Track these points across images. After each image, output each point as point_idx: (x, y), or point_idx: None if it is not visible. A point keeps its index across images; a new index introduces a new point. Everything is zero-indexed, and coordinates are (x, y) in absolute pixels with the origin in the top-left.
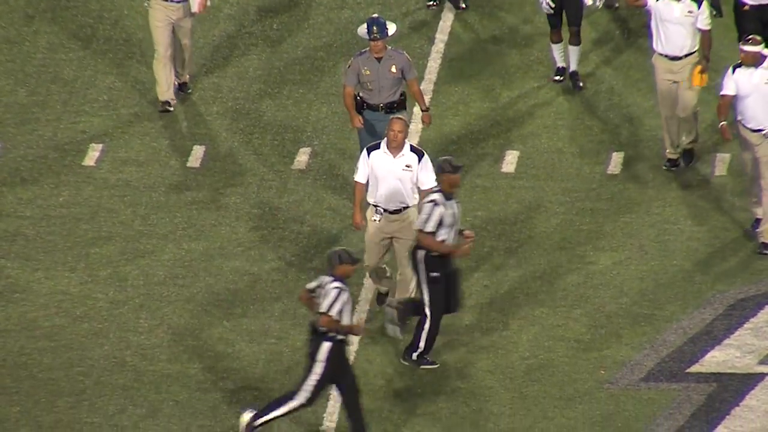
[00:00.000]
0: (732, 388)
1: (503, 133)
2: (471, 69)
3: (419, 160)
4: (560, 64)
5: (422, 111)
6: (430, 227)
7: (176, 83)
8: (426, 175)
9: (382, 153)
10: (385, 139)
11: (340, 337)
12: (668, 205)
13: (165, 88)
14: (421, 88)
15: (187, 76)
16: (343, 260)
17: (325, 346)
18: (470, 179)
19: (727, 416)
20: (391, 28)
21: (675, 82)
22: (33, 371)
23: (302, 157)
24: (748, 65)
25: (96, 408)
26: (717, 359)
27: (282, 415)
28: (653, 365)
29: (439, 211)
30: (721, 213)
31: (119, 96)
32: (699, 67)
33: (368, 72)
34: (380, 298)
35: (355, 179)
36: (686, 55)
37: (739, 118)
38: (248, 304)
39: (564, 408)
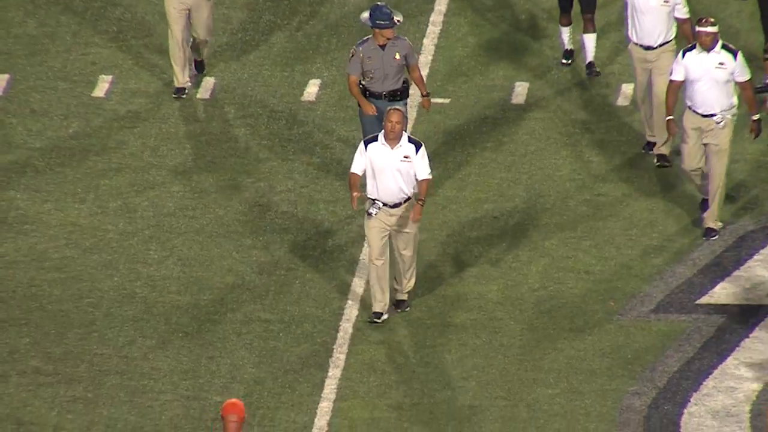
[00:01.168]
0: (741, 319)
1: (513, 64)
2: (480, 1)
3: (417, 151)
4: (568, 46)
5: (422, 96)
6: None
7: (194, 61)
8: (422, 165)
9: (379, 145)
10: (383, 131)
11: None
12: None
13: (180, 75)
14: (431, 19)
15: (205, 55)
16: None
17: None
18: (480, 111)
19: (737, 348)
20: (397, 16)
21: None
22: (43, 303)
23: (312, 89)
24: (704, 48)
25: (106, 339)
26: (727, 291)
27: None
28: (663, 297)
29: None
30: (732, 148)
31: (129, 27)
32: None
33: (372, 60)
34: (398, 303)
35: (351, 171)
36: (661, 45)
37: (688, 104)
38: (258, 235)
39: (573, 340)
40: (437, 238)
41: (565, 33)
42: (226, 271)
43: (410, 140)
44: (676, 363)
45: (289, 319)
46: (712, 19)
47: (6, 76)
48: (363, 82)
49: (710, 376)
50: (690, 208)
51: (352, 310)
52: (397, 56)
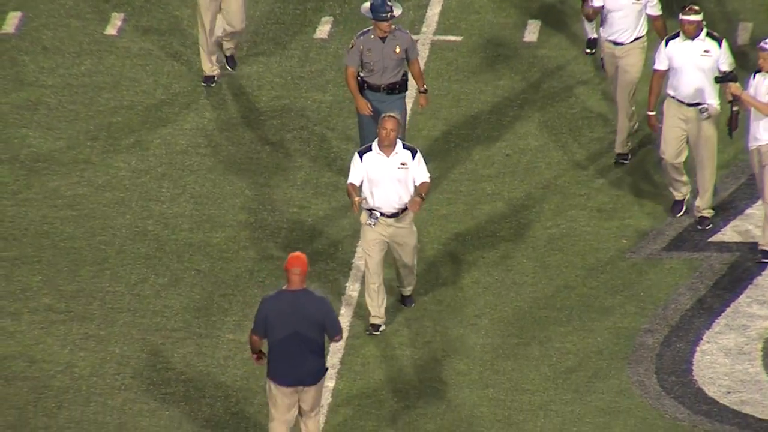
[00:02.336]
0: (754, 257)
1: (525, 1)
2: None
3: (413, 157)
4: (591, 35)
5: (419, 92)
6: None
7: (225, 55)
8: (421, 170)
9: (375, 154)
10: (376, 139)
11: None
12: None
13: (209, 63)
14: None
15: (234, 47)
16: None
17: None
18: (492, 49)
19: (750, 285)
20: (398, 9)
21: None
22: (55, 240)
23: (324, 27)
24: (687, 36)
25: (118, 277)
26: (739, 228)
27: None
28: (675, 234)
29: None
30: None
31: None
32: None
33: (372, 53)
34: (403, 299)
35: (348, 181)
36: (632, 41)
37: (672, 93)
38: (270, 173)
39: (586, 277)
40: (450, 176)
41: (588, 22)
42: (239, 208)
43: (405, 147)
44: (688, 301)
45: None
46: (696, 7)
47: (18, 14)
48: (361, 74)
49: (723, 314)
50: None
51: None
52: (398, 50)
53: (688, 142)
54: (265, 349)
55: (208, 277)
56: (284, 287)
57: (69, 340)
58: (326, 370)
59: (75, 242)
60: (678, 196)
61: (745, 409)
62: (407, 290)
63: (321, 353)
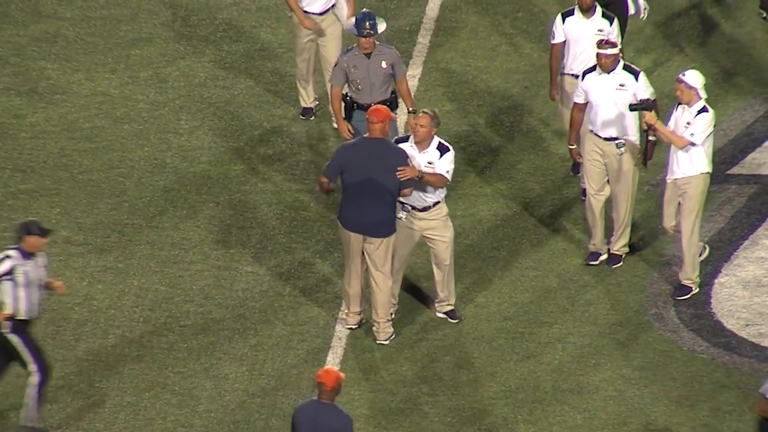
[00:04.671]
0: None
1: None
2: None
3: (441, 156)
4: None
5: (408, 112)
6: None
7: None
8: (443, 165)
9: (407, 147)
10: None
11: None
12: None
13: (306, 97)
14: None
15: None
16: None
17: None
18: None
19: None
20: (382, 25)
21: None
22: (73, 172)
23: None
24: (604, 70)
25: (136, 209)
26: (758, 161)
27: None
28: None
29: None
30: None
31: None
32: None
33: (357, 70)
34: (450, 314)
35: None
36: None
37: (590, 127)
38: (288, 105)
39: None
40: (467, 109)
41: None
42: (258, 140)
43: (439, 146)
44: (707, 233)
45: (320, 190)
46: (612, 41)
47: None
48: (349, 94)
49: (741, 247)
50: (721, 78)
51: None
52: (384, 65)
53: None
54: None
55: (226, 210)
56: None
57: (87, 272)
58: (394, 230)
59: (93, 175)
60: (592, 247)
61: (764, 341)
62: (446, 305)
63: (391, 207)
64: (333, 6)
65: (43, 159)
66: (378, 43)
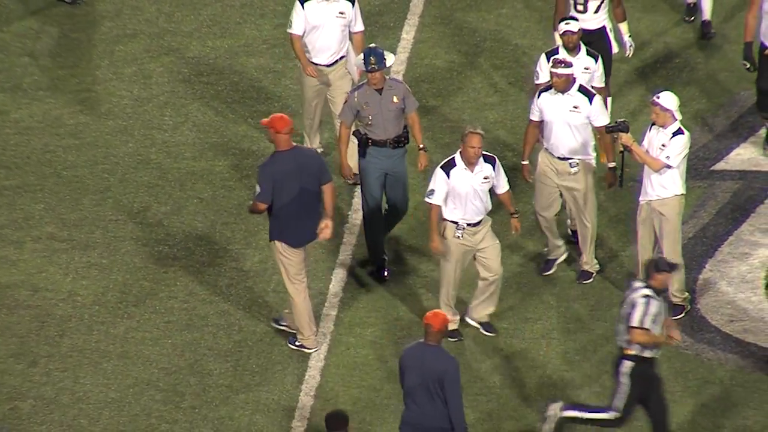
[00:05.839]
0: (757, 185)
1: None
2: None
3: (494, 167)
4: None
5: (419, 149)
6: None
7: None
8: (501, 179)
9: (461, 170)
10: (458, 153)
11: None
12: None
13: (310, 141)
14: None
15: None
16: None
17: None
18: None
19: (752, 214)
20: (390, 58)
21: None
22: (57, 168)
23: None
24: (558, 90)
25: (121, 205)
26: (742, 157)
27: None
28: None
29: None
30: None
31: None
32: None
33: (370, 106)
34: (486, 326)
35: (432, 201)
36: None
37: (545, 145)
38: (273, 101)
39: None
40: (452, 105)
41: None
42: (242, 136)
43: (486, 159)
44: (691, 229)
45: None
46: (567, 60)
47: None
48: (363, 130)
49: (725, 242)
50: (704, 75)
51: None
52: (395, 99)
53: (562, 195)
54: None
55: (210, 206)
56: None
57: (71, 268)
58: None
59: (77, 171)
60: (549, 255)
61: (748, 337)
62: (485, 314)
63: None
64: (342, 58)
65: (27, 155)
66: (388, 77)
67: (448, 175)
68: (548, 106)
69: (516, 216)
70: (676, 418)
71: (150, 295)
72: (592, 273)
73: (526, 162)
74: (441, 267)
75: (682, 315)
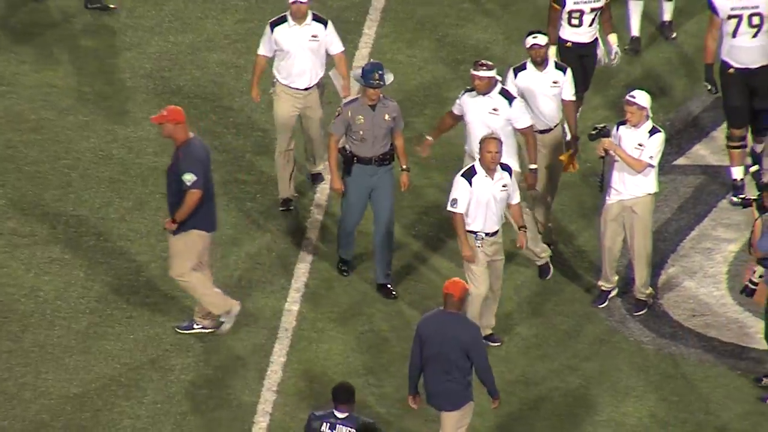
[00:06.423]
0: (719, 180)
1: None
2: None
3: (510, 175)
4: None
5: (402, 170)
6: None
7: (309, 173)
8: (515, 190)
9: (482, 178)
10: (477, 161)
11: None
12: None
13: (286, 185)
14: None
15: (321, 166)
16: None
17: None
18: None
19: (714, 209)
20: (389, 76)
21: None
22: (19, 164)
23: None
24: (478, 92)
25: (82, 200)
26: (704, 152)
27: None
28: None
29: None
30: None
31: None
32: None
33: (363, 120)
34: (488, 338)
35: (456, 210)
36: (555, 126)
37: (466, 148)
38: (234, 96)
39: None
40: (415, 99)
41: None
42: (204, 132)
43: (503, 167)
44: (653, 224)
45: (266, 180)
46: (489, 63)
47: None
48: (350, 147)
49: (688, 237)
50: (668, 71)
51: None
52: (387, 117)
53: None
54: None
55: None
56: None
57: (33, 263)
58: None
59: (39, 166)
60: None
61: (710, 332)
62: (487, 329)
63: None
64: (318, 84)
65: None
66: (382, 95)
67: (470, 183)
68: (469, 106)
69: (523, 229)
70: (637, 413)
71: (112, 291)
72: (549, 266)
73: (430, 139)
74: (469, 278)
75: (644, 311)
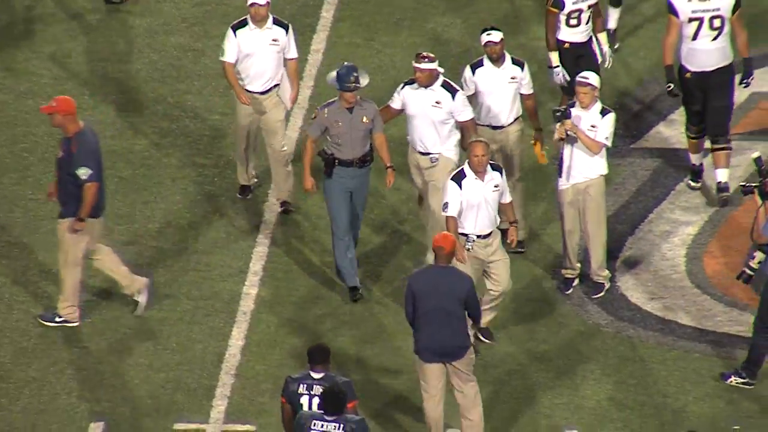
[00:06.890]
0: (677, 163)
1: None
2: None
3: (501, 175)
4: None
5: (386, 168)
6: None
7: (279, 202)
8: (507, 189)
9: (472, 180)
10: (467, 164)
11: None
12: None
13: (244, 172)
14: None
15: (287, 193)
16: None
17: None
18: None
19: (672, 192)
20: (364, 79)
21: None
22: None
23: None
24: (420, 84)
25: (41, 184)
26: (662, 134)
27: None
28: None
29: None
30: None
31: None
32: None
33: (341, 123)
34: (482, 332)
35: (448, 214)
36: (511, 123)
37: (409, 139)
38: (192, 80)
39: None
40: (371, 84)
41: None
42: (161, 115)
43: (494, 167)
44: (611, 207)
45: (224, 164)
46: (431, 55)
47: None
48: (330, 150)
49: (646, 220)
50: (625, 54)
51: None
52: (365, 119)
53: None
54: None
55: (130, 185)
56: None
57: None
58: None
59: None
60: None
61: (668, 314)
62: (486, 320)
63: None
64: (276, 86)
65: None
66: (359, 97)
67: (460, 186)
68: (411, 100)
69: (515, 224)
70: (596, 396)
71: None
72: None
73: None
74: None
75: (602, 293)
